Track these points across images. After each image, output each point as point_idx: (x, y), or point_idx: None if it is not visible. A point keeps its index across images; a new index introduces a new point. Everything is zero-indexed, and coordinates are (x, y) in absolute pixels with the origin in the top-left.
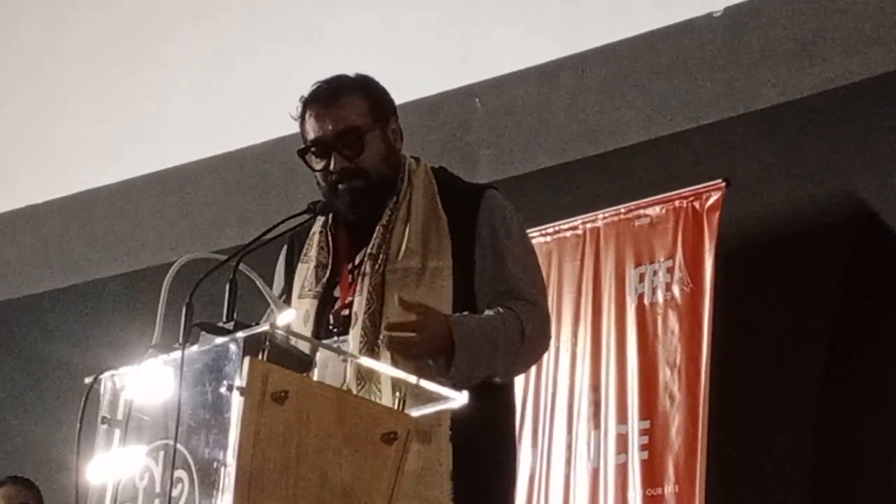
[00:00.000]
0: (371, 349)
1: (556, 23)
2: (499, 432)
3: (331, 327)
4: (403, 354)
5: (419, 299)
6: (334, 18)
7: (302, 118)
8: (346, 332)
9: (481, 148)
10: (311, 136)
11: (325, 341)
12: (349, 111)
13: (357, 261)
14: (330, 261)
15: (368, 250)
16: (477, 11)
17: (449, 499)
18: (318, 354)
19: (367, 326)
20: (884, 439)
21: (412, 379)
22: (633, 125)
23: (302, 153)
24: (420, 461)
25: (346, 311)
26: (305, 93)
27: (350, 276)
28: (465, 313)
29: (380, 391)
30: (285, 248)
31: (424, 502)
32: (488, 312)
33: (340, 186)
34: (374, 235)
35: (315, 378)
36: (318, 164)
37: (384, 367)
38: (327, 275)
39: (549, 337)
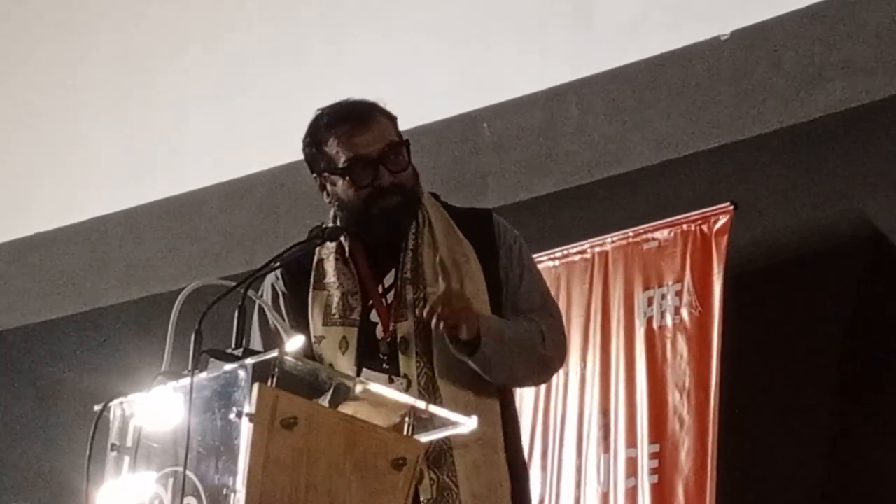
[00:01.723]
0: (429, 373)
1: (564, 47)
2: (521, 448)
3: (380, 354)
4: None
5: None
6: (343, 44)
7: (327, 138)
8: (395, 358)
9: (489, 172)
10: (348, 154)
11: (372, 369)
12: (387, 128)
13: (386, 285)
14: (358, 288)
15: (403, 275)
16: (484, 36)
17: None
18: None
19: (421, 351)
20: None
21: (421, 404)
22: (640, 149)
23: (345, 170)
24: (487, 484)
25: (389, 338)
26: (323, 115)
27: (384, 301)
28: (494, 317)
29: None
30: (280, 277)
31: None
32: (512, 321)
33: (374, 209)
34: (405, 260)
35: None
36: (364, 180)
37: (394, 393)
38: (360, 302)
39: (566, 346)
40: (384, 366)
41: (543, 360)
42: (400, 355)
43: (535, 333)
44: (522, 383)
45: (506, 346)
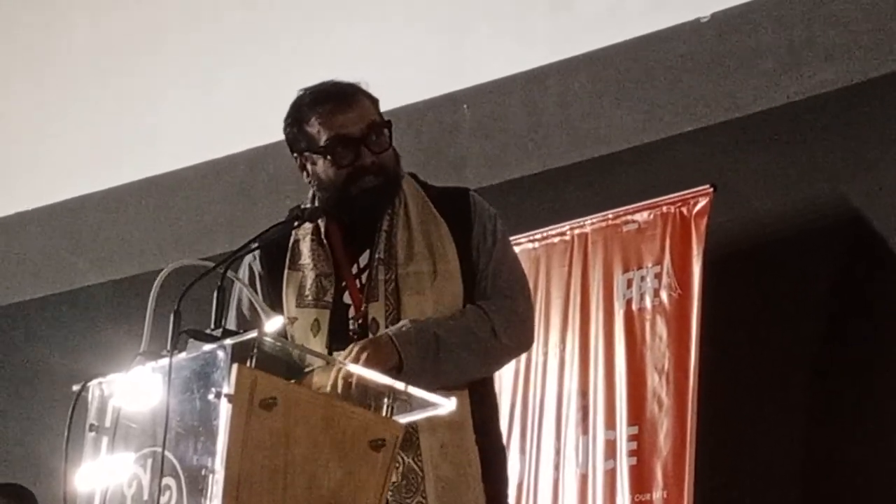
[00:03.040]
0: None
1: (544, 29)
2: (498, 431)
3: (351, 334)
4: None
5: (434, 302)
6: (322, 26)
7: (309, 117)
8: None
9: (469, 154)
10: (330, 133)
11: (343, 349)
12: (369, 109)
13: (361, 266)
14: (332, 269)
15: (377, 255)
16: (465, 18)
17: (483, 501)
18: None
19: None
20: (874, 442)
21: (400, 385)
22: (620, 131)
23: (326, 149)
24: (454, 467)
25: (361, 319)
26: (305, 95)
27: (357, 282)
28: (411, 323)
29: None
30: (257, 254)
31: None
32: (450, 318)
33: (353, 189)
34: (379, 240)
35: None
36: (345, 160)
37: (372, 374)
38: (334, 284)
39: (528, 329)
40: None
41: (494, 351)
42: (370, 334)
43: (483, 328)
44: (476, 377)
45: (442, 364)
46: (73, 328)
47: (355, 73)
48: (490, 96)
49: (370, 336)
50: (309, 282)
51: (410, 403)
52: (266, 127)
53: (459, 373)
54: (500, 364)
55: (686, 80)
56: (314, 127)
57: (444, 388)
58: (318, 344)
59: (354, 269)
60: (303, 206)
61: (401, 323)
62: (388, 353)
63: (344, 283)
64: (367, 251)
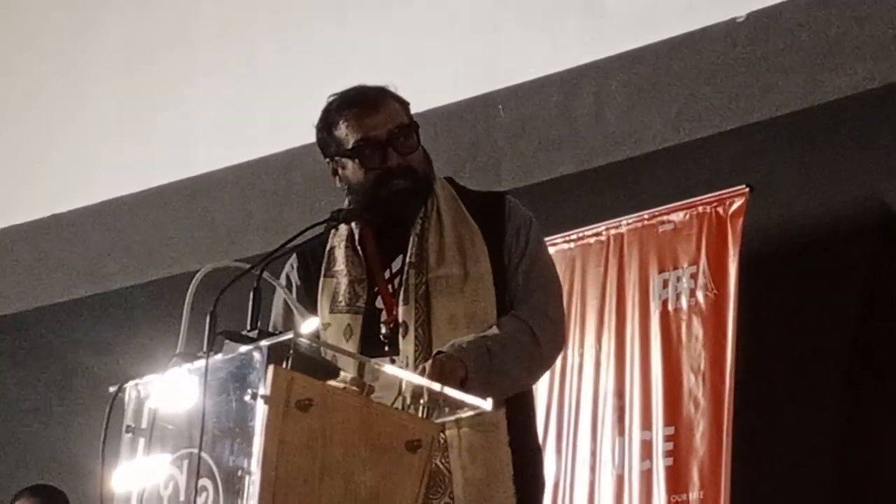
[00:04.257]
0: (426, 357)
1: (578, 30)
2: (534, 432)
3: (382, 338)
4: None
5: (465, 305)
6: (358, 27)
7: (337, 122)
8: (395, 343)
9: (504, 155)
10: (357, 136)
11: (374, 354)
12: (396, 112)
13: (394, 270)
14: (365, 275)
15: (408, 259)
16: (500, 20)
17: (513, 501)
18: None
19: (420, 335)
20: None
21: (436, 386)
22: (656, 131)
23: (354, 152)
24: (485, 469)
25: (392, 323)
26: (334, 100)
27: (390, 287)
28: (471, 341)
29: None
30: (295, 264)
31: None
32: (495, 331)
33: (382, 191)
34: (411, 244)
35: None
36: (372, 162)
37: (408, 375)
38: (366, 289)
39: (561, 333)
40: (385, 349)
41: (541, 359)
42: (400, 338)
43: (527, 338)
44: (521, 389)
45: (495, 376)
46: (109, 330)
47: (391, 73)
48: (525, 97)
49: (400, 340)
50: (343, 288)
51: (446, 404)
52: (301, 128)
53: (509, 386)
54: (541, 373)
55: (721, 81)
56: (342, 131)
57: None
58: (350, 348)
59: (387, 274)
60: (338, 209)
61: (451, 342)
62: (458, 366)
63: (376, 288)
64: (400, 256)
